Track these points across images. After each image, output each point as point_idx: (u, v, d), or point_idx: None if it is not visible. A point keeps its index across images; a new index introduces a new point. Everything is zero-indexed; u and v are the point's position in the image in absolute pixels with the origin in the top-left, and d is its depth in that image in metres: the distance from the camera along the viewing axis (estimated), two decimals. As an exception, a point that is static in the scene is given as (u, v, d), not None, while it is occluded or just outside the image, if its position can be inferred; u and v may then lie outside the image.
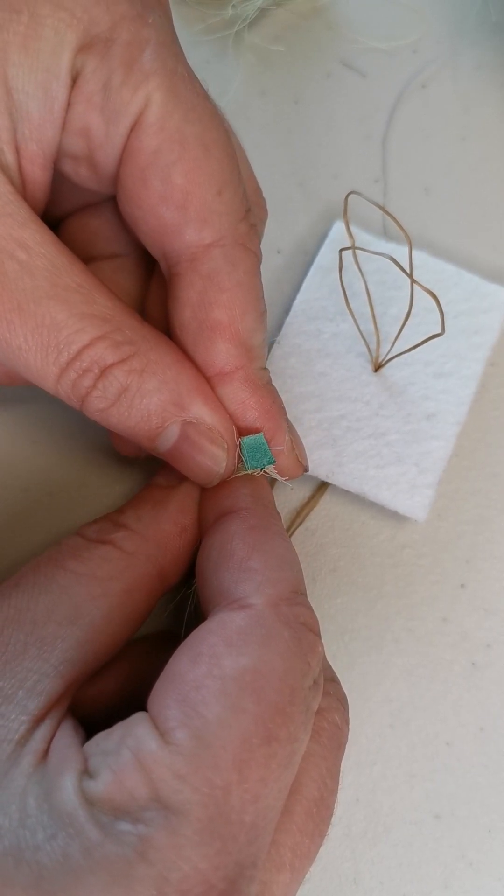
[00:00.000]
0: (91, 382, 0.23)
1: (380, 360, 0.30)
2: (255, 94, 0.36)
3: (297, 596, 0.22)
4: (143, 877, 0.18)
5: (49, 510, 0.31)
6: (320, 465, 0.29)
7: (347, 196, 0.29)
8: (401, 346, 0.29)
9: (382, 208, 0.27)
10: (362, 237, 0.32)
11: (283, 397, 0.30)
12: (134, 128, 0.23)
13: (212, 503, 0.26)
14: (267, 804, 0.19)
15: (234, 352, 0.26)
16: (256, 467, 0.26)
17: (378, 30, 0.36)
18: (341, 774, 0.29)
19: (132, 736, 0.19)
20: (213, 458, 0.25)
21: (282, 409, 0.27)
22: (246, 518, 0.25)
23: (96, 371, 0.23)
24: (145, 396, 0.24)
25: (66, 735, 0.21)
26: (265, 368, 0.27)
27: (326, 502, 0.31)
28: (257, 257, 0.26)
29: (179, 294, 0.25)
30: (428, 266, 0.31)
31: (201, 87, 0.24)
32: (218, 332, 0.25)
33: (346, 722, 0.24)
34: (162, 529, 0.26)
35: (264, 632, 0.21)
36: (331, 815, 0.23)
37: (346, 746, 0.25)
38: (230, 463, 0.26)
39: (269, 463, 0.26)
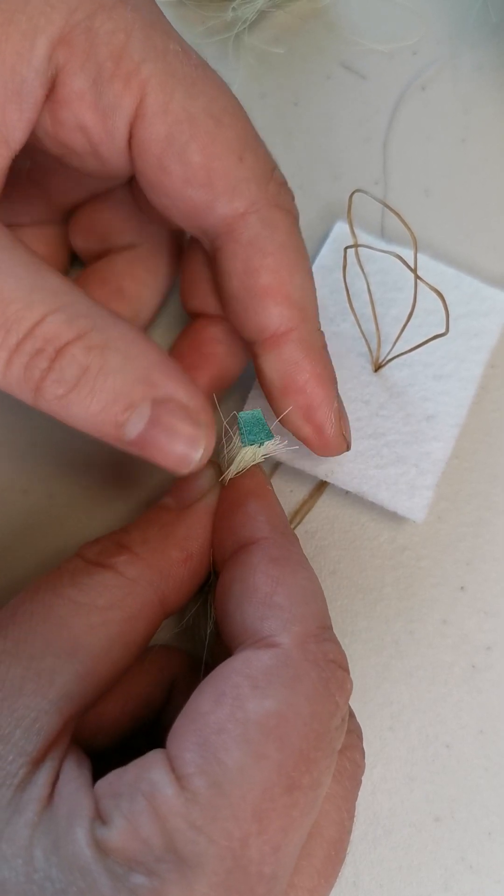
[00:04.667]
0: (46, 364, 0.21)
1: (380, 360, 0.30)
2: (255, 96, 0.36)
3: (324, 632, 0.22)
4: None
5: (49, 512, 0.31)
6: (319, 464, 0.29)
7: (352, 194, 0.29)
8: (400, 347, 0.29)
9: (388, 206, 0.27)
10: (361, 238, 0.32)
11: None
12: (136, 119, 0.23)
13: (228, 532, 0.25)
14: (287, 853, 0.19)
15: (287, 313, 0.25)
16: (254, 443, 0.25)
17: (378, 32, 0.36)
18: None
19: (147, 781, 0.19)
20: (190, 441, 0.22)
21: (333, 377, 0.26)
22: (267, 549, 0.23)
23: (51, 350, 0.21)
24: (109, 375, 0.21)
25: (72, 776, 0.20)
26: (320, 331, 0.26)
27: (326, 504, 0.31)
28: (294, 216, 0.25)
29: (224, 266, 0.25)
30: (428, 269, 0.31)
31: (199, 57, 0.24)
32: (269, 297, 0.24)
33: (363, 756, 0.23)
34: (167, 556, 0.24)
35: (291, 673, 0.20)
36: (345, 855, 0.22)
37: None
38: (208, 444, 0.23)
39: (268, 439, 0.25)
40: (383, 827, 0.28)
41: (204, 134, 0.23)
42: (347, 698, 0.21)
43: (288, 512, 0.31)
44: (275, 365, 0.25)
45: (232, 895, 0.18)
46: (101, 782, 0.19)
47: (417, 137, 0.35)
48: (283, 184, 0.25)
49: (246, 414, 0.25)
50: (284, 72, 0.36)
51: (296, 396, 0.26)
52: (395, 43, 0.36)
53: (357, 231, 0.32)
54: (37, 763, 0.20)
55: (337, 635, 0.30)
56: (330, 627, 0.22)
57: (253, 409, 0.26)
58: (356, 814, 0.28)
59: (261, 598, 0.22)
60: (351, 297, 0.30)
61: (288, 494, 0.31)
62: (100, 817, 0.18)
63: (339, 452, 0.27)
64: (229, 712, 0.19)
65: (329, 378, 0.26)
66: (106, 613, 0.23)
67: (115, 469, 0.31)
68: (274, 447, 0.26)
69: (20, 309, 0.20)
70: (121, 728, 0.25)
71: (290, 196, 0.26)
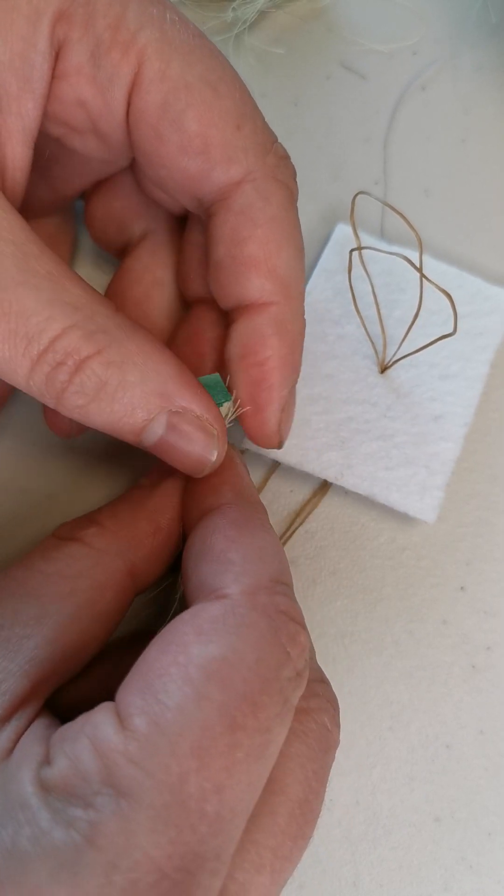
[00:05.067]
0: (67, 377, 0.22)
1: (386, 361, 0.30)
2: (255, 96, 0.35)
3: (276, 585, 0.22)
4: (91, 863, 0.17)
5: (48, 511, 0.31)
6: (329, 467, 0.29)
7: (355, 196, 0.29)
8: (406, 348, 0.29)
9: (393, 208, 0.27)
10: (362, 239, 0.32)
11: (290, 399, 0.30)
12: (133, 88, 0.23)
13: (195, 501, 0.25)
14: (233, 795, 0.19)
15: (270, 287, 0.24)
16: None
17: (378, 32, 0.36)
18: (342, 777, 0.29)
19: (91, 723, 0.19)
20: (205, 447, 0.24)
21: (295, 367, 0.26)
22: (227, 513, 0.24)
23: (71, 364, 0.22)
24: (128, 389, 0.22)
25: (36, 732, 0.20)
26: (301, 315, 0.25)
27: (326, 505, 0.31)
28: (292, 192, 0.25)
29: (213, 233, 0.25)
30: (431, 269, 0.32)
31: (196, 28, 0.24)
32: (253, 268, 0.24)
33: (336, 724, 0.23)
34: (135, 527, 0.25)
35: (237, 620, 0.20)
36: (315, 819, 0.22)
37: (346, 749, 0.25)
38: (221, 450, 0.24)
39: (226, 400, 0.25)
40: (383, 827, 0.28)
41: (201, 102, 0.23)
42: (302, 651, 0.21)
43: (289, 512, 0.31)
44: (242, 332, 0.25)
45: (169, 829, 0.18)
46: (54, 734, 0.20)
47: (417, 138, 0.35)
48: (283, 157, 0.25)
49: (204, 378, 0.25)
50: (284, 72, 0.36)
51: (250, 370, 0.25)
52: (395, 43, 0.36)
53: (358, 232, 0.32)
54: (2, 721, 0.20)
55: (337, 635, 0.30)
56: (286, 583, 0.22)
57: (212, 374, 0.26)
58: (356, 814, 0.28)
59: (215, 556, 0.22)
60: (356, 298, 0.30)
61: (288, 494, 0.31)
62: (47, 759, 0.19)
63: (267, 445, 0.26)
64: (172, 658, 0.19)
65: (291, 365, 0.25)
66: (74, 582, 0.23)
67: (116, 469, 0.31)
68: (234, 410, 0.26)
69: (40, 322, 0.21)
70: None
71: (291, 171, 0.25)
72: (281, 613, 0.21)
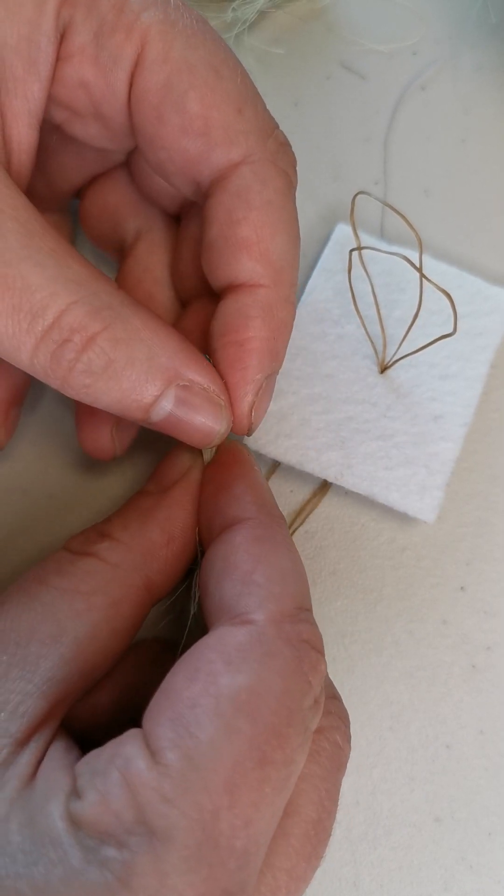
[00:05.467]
0: (74, 355, 0.21)
1: (386, 361, 0.30)
2: (255, 96, 0.36)
3: (300, 612, 0.21)
4: None
5: (49, 512, 0.31)
6: (329, 467, 0.29)
7: (355, 196, 0.29)
8: (406, 348, 0.29)
9: (393, 208, 0.27)
10: (362, 239, 0.32)
11: (291, 399, 0.30)
12: (136, 69, 0.23)
13: (214, 512, 0.25)
14: (259, 829, 0.19)
15: (261, 270, 0.24)
16: None
17: (378, 32, 0.36)
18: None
19: (121, 755, 0.19)
20: (214, 419, 0.24)
21: (277, 355, 0.25)
22: (251, 528, 0.23)
23: (78, 341, 0.21)
24: (136, 366, 0.22)
25: (57, 757, 0.20)
26: (291, 304, 0.25)
27: (326, 505, 0.31)
28: (289, 178, 0.25)
29: (208, 214, 0.24)
30: (431, 269, 0.32)
31: (199, 14, 0.24)
32: (244, 250, 0.24)
33: (348, 740, 0.23)
34: (148, 539, 0.24)
35: (264, 649, 0.20)
36: (328, 837, 0.22)
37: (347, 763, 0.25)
38: (228, 421, 0.24)
39: None
40: (383, 827, 0.28)
41: (203, 84, 0.23)
42: (321, 679, 0.21)
43: (289, 512, 0.31)
44: (227, 310, 0.24)
45: (202, 868, 0.18)
46: (80, 762, 0.20)
47: (417, 138, 0.35)
48: (284, 144, 0.25)
49: None
50: (284, 72, 0.36)
51: (228, 348, 0.24)
52: (395, 43, 0.36)
53: (358, 232, 0.32)
54: (21, 744, 0.20)
55: (337, 636, 0.30)
56: (308, 609, 0.22)
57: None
58: (356, 814, 0.28)
59: (239, 576, 0.22)
60: (356, 298, 0.30)
61: (288, 495, 0.31)
62: (76, 792, 0.19)
63: (236, 430, 0.25)
64: (202, 687, 0.19)
65: (271, 351, 0.25)
66: (90, 599, 0.23)
67: (116, 470, 0.31)
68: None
69: (44, 297, 0.21)
70: (115, 720, 0.25)
71: (291, 159, 0.25)
72: (304, 642, 0.21)
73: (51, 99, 0.24)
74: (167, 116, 0.23)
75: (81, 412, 0.28)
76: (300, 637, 0.21)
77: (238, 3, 0.35)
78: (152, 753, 0.18)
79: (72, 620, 0.22)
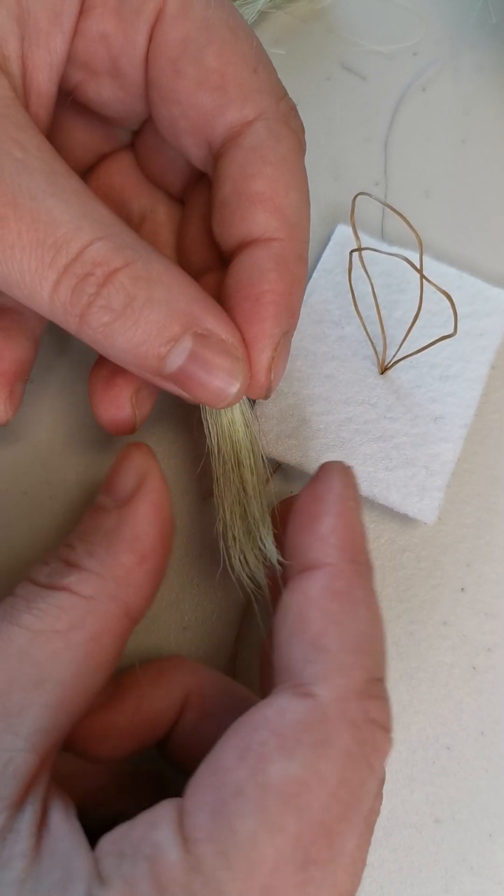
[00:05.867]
0: (94, 290, 0.21)
1: (386, 362, 0.30)
2: (256, 96, 0.36)
3: (371, 686, 0.20)
4: None
5: (49, 513, 0.30)
6: None
7: (355, 197, 0.29)
8: (406, 348, 0.29)
9: (393, 209, 0.27)
10: (363, 240, 0.32)
11: (291, 400, 0.30)
12: (155, 24, 0.23)
13: (296, 550, 0.23)
14: None
15: (275, 224, 0.24)
16: None
17: (378, 33, 0.36)
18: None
19: (152, 842, 0.17)
20: (228, 375, 0.23)
21: (292, 310, 0.24)
22: (330, 579, 0.21)
23: (99, 276, 0.21)
24: (154, 307, 0.21)
25: (64, 830, 0.18)
26: (304, 262, 0.25)
27: (327, 505, 0.31)
28: (300, 140, 0.25)
29: (220, 172, 0.24)
30: (431, 269, 0.32)
31: None
32: (259, 204, 0.23)
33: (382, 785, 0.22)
34: (119, 564, 0.22)
35: (323, 734, 0.18)
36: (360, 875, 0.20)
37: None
38: (244, 381, 0.23)
39: None
40: (384, 829, 0.28)
41: (221, 41, 0.23)
42: (384, 761, 0.20)
43: (288, 513, 0.31)
44: (241, 266, 0.24)
45: None
46: (106, 839, 0.18)
47: (418, 138, 0.35)
48: (293, 108, 0.25)
49: None
50: (284, 73, 0.36)
51: (244, 303, 0.24)
52: (396, 44, 0.36)
53: (358, 233, 0.32)
54: (16, 807, 0.19)
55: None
56: (381, 680, 0.20)
57: None
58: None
59: (310, 638, 0.20)
60: (356, 299, 0.30)
61: (288, 495, 0.31)
62: (99, 876, 0.17)
63: (254, 391, 0.24)
64: (250, 773, 0.18)
65: (288, 306, 0.24)
66: (67, 637, 0.21)
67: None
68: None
69: (69, 231, 0.20)
70: (128, 740, 0.24)
71: (300, 123, 0.25)
72: (371, 723, 0.19)
73: (68, 57, 0.24)
74: (184, 70, 0.23)
75: (97, 381, 0.26)
76: (366, 716, 0.19)
77: (238, 3, 0.35)
78: (185, 841, 0.17)
79: (52, 662, 0.21)
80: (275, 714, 0.19)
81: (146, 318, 0.21)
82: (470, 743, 0.29)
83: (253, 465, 0.26)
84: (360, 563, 0.22)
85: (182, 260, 0.29)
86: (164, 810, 0.18)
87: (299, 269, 0.24)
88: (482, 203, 0.34)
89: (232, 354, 0.23)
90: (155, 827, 0.18)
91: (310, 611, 0.21)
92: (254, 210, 0.24)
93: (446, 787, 0.29)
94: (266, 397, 0.25)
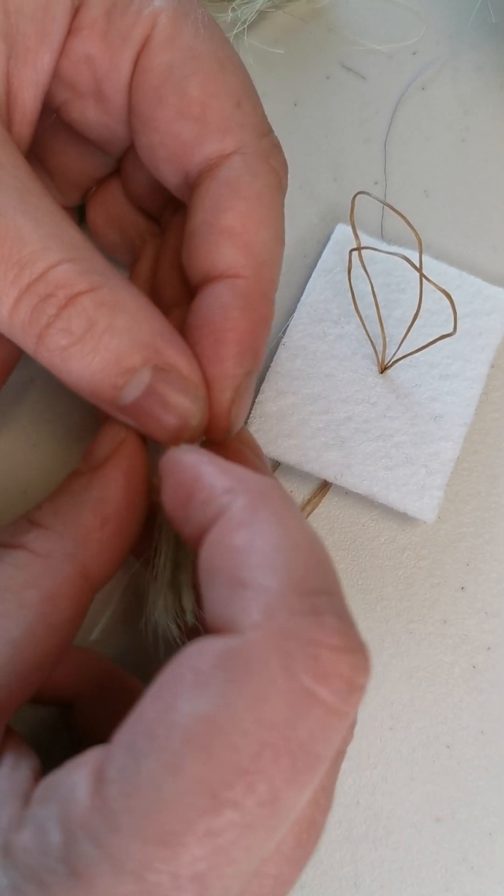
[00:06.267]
0: (54, 311, 0.20)
1: (386, 361, 0.30)
2: (255, 96, 0.36)
3: (308, 600, 0.17)
4: None
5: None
6: (329, 466, 0.29)
7: (355, 196, 0.29)
8: (406, 348, 0.29)
9: (393, 208, 0.27)
10: (363, 240, 0.32)
11: (290, 399, 0.30)
12: (142, 50, 0.23)
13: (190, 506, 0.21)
14: (220, 884, 0.16)
15: (242, 261, 0.23)
16: None
17: (377, 32, 0.36)
18: (343, 777, 0.29)
19: (67, 784, 0.17)
20: (188, 409, 0.22)
21: (255, 352, 0.23)
22: (232, 518, 0.19)
23: (61, 297, 0.20)
24: (115, 335, 0.21)
25: (6, 782, 0.18)
26: (270, 303, 0.24)
27: (326, 505, 0.31)
28: (280, 179, 0.24)
29: (193, 203, 0.24)
30: (431, 269, 0.32)
31: (208, 13, 0.24)
32: (227, 238, 0.23)
33: (353, 724, 0.21)
34: (80, 523, 0.22)
35: (240, 665, 0.16)
36: (321, 833, 0.20)
37: (347, 750, 0.25)
38: (204, 414, 0.22)
39: None
40: (384, 827, 0.28)
41: (206, 72, 0.23)
42: (347, 691, 0.17)
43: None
44: (204, 301, 0.23)
45: None
46: (40, 785, 0.18)
47: (417, 138, 0.35)
48: (277, 146, 0.24)
49: None
50: (284, 72, 0.36)
51: (205, 341, 0.23)
52: (395, 43, 0.36)
53: (358, 232, 0.32)
54: None
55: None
56: (326, 592, 0.17)
57: None
58: (356, 814, 0.28)
59: (224, 579, 0.18)
60: (355, 298, 0.30)
61: (288, 495, 0.31)
62: (19, 821, 0.17)
63: (215, 431, 0.23)
64: (161, 712, 0.17)
65: (251, 347, 0.23)
66: (21, 595, 0.21)
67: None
68: None
69: (35, 251, 0.20)
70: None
71: (283, 161, 0.25)
72: (310, 643, 0.16)
73: (54, 76, 0.23)
74: (166, 98, 0.23)
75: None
76: (303, 636, 0.16)
77: (238, 3, 0.35)
78: (98, 782, 0.16)
79: (4, 621, 0.20)
80: (195, 650, 0.17)
81: (105, 345, 0.21)
82: (470, 742, 0.29)
83: None
84: (261, 485, 0.20)
85: (154, 292, 0.28)
86: (90, 754, 0.17)
87: (265, 309, 0.24)
88: (482, 202, 0.34)
89: (191, 392, 0.22)
90: (76, 769, 0.17)
91: (219, 553, 0.18)
92: (221, 244, 0.23)
93: (446, 786, 0.29)
94: (226, 439, 0.24)
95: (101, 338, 0.21)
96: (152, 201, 0.28)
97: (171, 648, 0.21)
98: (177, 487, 0.21)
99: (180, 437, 0.22)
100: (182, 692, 0.17)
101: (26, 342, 0.21)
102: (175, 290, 0.27)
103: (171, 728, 0.16)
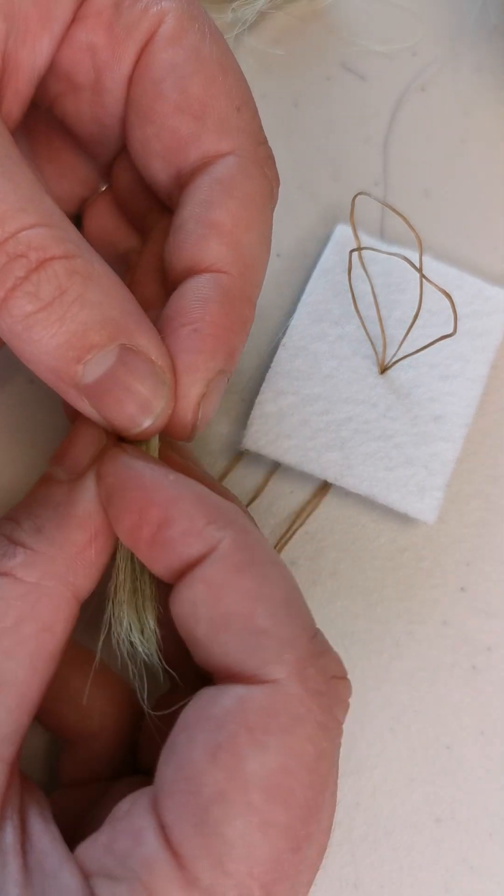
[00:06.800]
0: (23, 273, 0.19)
1: (386, 362, 0.30)
2: (255, 97, 0.35)
3: (316, 643, 0.19)
4: None
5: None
6: (329, 467, 0.29)
7: (355, 197, 0.29)
8: (406, 348, 0.29)
9: (393, 209, 0.27)
10: (363, 240, 0.32)
11: (290, 399, 0.30)
12: (146, 45, 0.23)
13: (160, 543, 0.20)
14: None
15: (227, 257, 0.22)
16: None
17: (377, 33, 0.36)
18: (343, 778, 0.29)
19: (142, 861, 0.17)
20: (144, 404, 0.21)
21: (230, 350, 0.22)
22: (227, 557, 0.19)
23: (33, 260, 0.19)
24: (85, 307, 0.19)
25: (45, 841, 0.18)
26: (251, 308, 0.23)
27: (326, 505, 0.31)
28: (272, 189, 0.24)
29: (183, 199, 0.23)
30: (431, 269, 0.32)
31: (213, 21, 0.24)
32: (214, 231, 0.22)
33: (346, 711, 0.21)
34: (70, 542, 0.20)
35: (290, 714, 0.18)
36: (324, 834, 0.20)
37: (347, 750, 0.25)
38: (167, 407, 0.21)
39: None
40: (384, 828, 0.28)
41: (208, 73, 0.23)
42: (347, 707, 0.19)
43: (289, 513, 0.31)
44: (184, 293, 0.22)
45: None
46: (88, 853, 0.17)
47: (417, 138, 0.35)
48: (271, 157, 0.24)
49: None
50: (284, 73, 0.36)
51: (179, 331, 0.22)
52: (395, 44, 0.36)
53: (358, 233, 0.32)
54: None
55: (337, 637, 0.30)
56: (318, 633, 0.20)
57: None
58: (356, 815, 0.28)
59: (240, 626, 0.19)
60: (355, 299, 0.30)
61: (288, 495, 0.31)
62: None
63: (178, 430, 0.22)
64: (227, 775, 0.17)
65: (226, 344, 0.22)
66: (18, 632, 0.19)
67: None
68: None
69: (9, 210, 0.19)
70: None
71: (276, 175, 0.24)
72: (331, 680, 0.19)
73: (52, 66, 0.23)
74: (166, 93, 0.23)
75: None
76: (326, 676, 0.19)
77: (238, 3, 0.35)
78: (178, 857, 0.17)
79: (5, 662, 0.19)
80: (236, 706, 0.18)
81: (73, 315, 0.19)
82: (470, 743, 0.29)
83: None
84: (241, 523, 0.20)
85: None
86: (143, 821, 0.18)
87: (246, 311, 0.23)
88: (482, 203, 0.34)
89: (158, 377, 0.21)
90: (140, 842, 0.17)
91: (225, 599, 0.19)
92: (209, 238, 0.22)
93: (446, 786, 0.29)
94: (188, 439, 0.23)
95: (69, 307, 0.19)
96: (138, 207, 0.28)
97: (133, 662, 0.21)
98: (139, 509, 0.20)
99: (138, 424, 0.21)
100: (243, 751, 0.17)
101: None
102: (152, 291, 0.26)
103: (247, 787, 0.17)
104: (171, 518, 0.20)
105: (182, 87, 0.23)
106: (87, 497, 0.21)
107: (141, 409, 0.21)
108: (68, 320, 0.19)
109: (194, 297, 0.22)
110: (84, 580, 0.21)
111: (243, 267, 0.23)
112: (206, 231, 0.22)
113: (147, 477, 0.21)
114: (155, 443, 0.23)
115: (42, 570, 0.20)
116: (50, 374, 0.20)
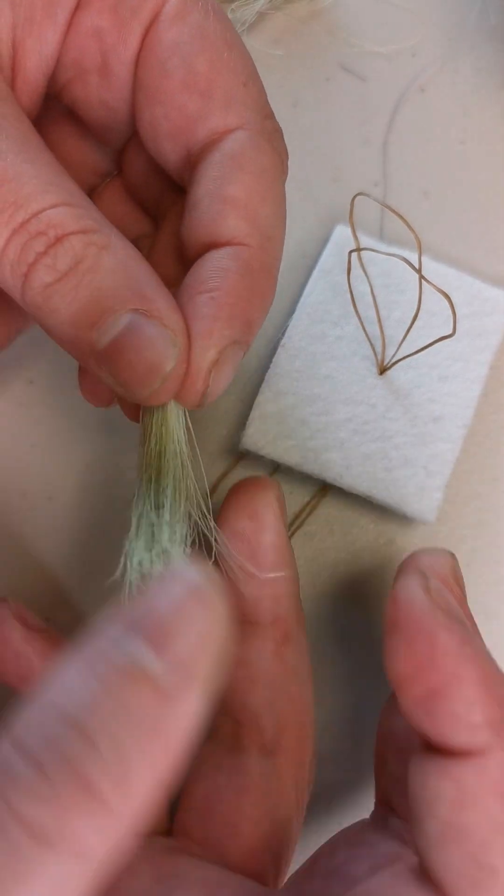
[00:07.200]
0: (42, 248, 0.20)
1: (385, 362, 0.30)
2: (255, 97, 0.36)
3: None
4: None
5: (48, 514, 0.30)
6: (328, 468, 0.29)
7: (354, 198, 0.29)
8: (405, 349, 0.29)
9: (392, 209, 0.27)
10: (362, 241, 0.32)
11: (290, 400, 0.30)
12: (151, 25, 0.23)
13: (427, 718, 0.19)
14: None
15: (246, 229, 0.22)
16: None
17: (377, 34, 0.36)
18: (342, 779, 0.28)
19: None
20: (162, 352, 0.21)
21: (249, 321, 0.22)
22: (491, 773, 0.18)
23: (51, 236, 0.20)
24: (99, 273, 0.20)
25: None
26: (274, 278, 0.23)
27: (325, 506, 0.31)
28: (283, 163, 0.24)
29: (195, 177, 0.23)
30: (430, 270, 0.32)
31: (216, 1, 0.24)
32: (231, 206, 0.22)
33: None
34: (148, 779, 0.14)
35: None
36: None
37: (347, 750, 0.25)
38: (178, 368, 0.21)
39: None
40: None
41: (214, 50, 0.23)
42: None
43: (288, 514, 0.31)
44: (201, 265, 0.22)
45: None
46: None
47: (417, 139, 0.35)
48: (279, 130, 0.24)
49: None
50: (283, 74, 0.36)
51: (196, 298, 0.22)
52: (395, 45, 0.36)
53: (357, 234, 0.32)
54: None
55: (337, 637, 0.30)
56: None
57: None
58: (356, 816, 0.28)
59: (472, 851, 0.18)
60: (355, 300, 0.30)
61: (287, 496, 0.31)
62: None
63: (188, 396, 0.22)
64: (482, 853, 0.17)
65: (244, 312, 0.22)
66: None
67: (115, 472, 0.31)
68: None
69: (32, 193, 0.20)
70: None
71: (284, 147, 0.25)
72: None
73: (59, 55, 0.24)
74: (172, 71, 0.23)
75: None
76: None
77: (237, 4, 0.35)
78: None
79: None
80: (476, 792, 0.18)
81: (88, 282, 0.20)
82: (469, 743, 0.29)
83: (178, 475, 0.23)
84: (465, 627, 0.19)
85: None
86: None
87: (265, 283, 0.23)
88: (481, 204, 0.34)
89: (168, 339, 0.21)
90: None
91: (470, 815, 0.18)
92: (225, 213, 0.22)
93: (446, 787, 0.29)
94: (199, 406, 0.23)
95: (84, 275, 0.20)
96: (151, 191, 0.28)
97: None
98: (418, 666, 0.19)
99: (150, 385, 0.21)
100: (487, 838, 0.17)
101: (15, 284, 0.21)
102: (169, 272, 0.26)
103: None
104: (448, 693, 0.18)
105: (188, 64, 0.23)
106: (180, 718, 0.15)
107: (150, 370, 0.21)
108: (83, 287, 0.20)
109: (213, 267, 0.22)
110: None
111: (262, 238, 0.23)
112: (221, 206, 0.23)
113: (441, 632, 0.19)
114: (178, 417, 0.23)
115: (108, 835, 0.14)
116: (71, 345, 0.21)
